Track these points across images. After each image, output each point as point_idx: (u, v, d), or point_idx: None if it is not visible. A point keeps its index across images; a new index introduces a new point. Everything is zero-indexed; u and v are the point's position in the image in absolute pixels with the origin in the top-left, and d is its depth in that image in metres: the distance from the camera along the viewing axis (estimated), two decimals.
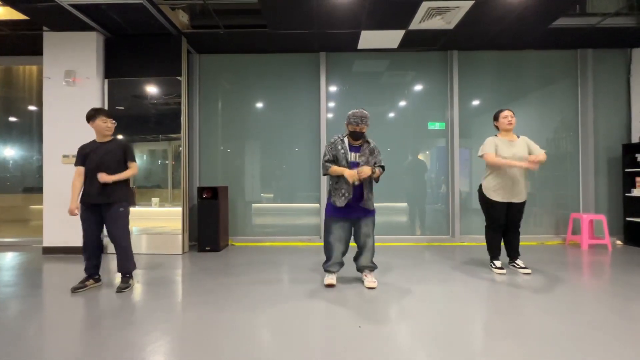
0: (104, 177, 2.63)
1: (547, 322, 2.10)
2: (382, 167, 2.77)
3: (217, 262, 3.66)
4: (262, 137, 4.82)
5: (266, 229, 4.82)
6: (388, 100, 4.83)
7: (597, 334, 1.94)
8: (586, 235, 4.19)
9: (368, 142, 2.76)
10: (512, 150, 3.08)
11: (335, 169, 2.67)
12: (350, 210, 2.71)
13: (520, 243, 3.29)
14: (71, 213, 2.68)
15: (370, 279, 2.80)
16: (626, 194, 4.41)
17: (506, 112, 3.13)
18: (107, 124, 2.78)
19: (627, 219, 4.39)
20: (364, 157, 2.71)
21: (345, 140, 2.76)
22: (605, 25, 3.98)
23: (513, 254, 3.27)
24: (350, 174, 2.60)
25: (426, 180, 4.82)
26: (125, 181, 2.80)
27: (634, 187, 4.32)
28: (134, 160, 2.83)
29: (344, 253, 2.82)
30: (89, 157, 2.74)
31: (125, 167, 2.79)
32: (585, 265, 3.46)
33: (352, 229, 2.81)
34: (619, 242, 4.50)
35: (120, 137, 4.20)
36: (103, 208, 2.72)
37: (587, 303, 2.42)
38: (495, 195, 3.10)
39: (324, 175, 2.80)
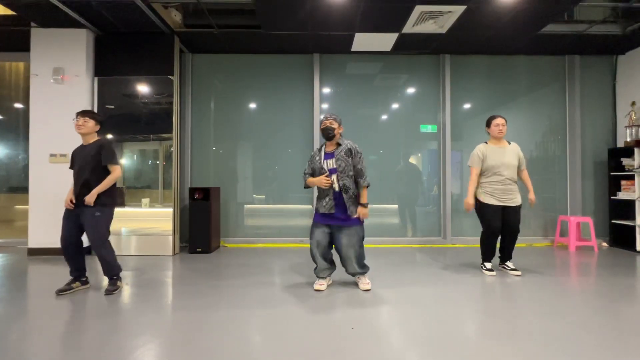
0: (88, 200, 2.53)
1: (536, 322, 2.13)
2: (362, 171, 2.65)
3: (208, 264, 3.62)
4: (254, 138, 4.80)
5: (258, 230, 4.79)
6: (381, 103, 4.86)
7: (585, 334, 1.98)
8: (573, 238, 4.28)
9: (340, 144, 2.69)
10: (502, 158, 3.12)
11: (311, 180, 2.71)
12: (331, 218, 2.66)
13: None
14: (66, 204, 2.60)
15: (364, 281, 2.79)
16: (612, 197, 4.51)
17: (498, 120, 3.16)
18: (78, 122, 2.62)
19: (613, 221, 4.50)
20: (340, 160, 2.63)
21: (322, 149, 2.75)
22: (592, 33, 4.08)
23: (505, 257, 3.31)
24: (321, 180, 2.60)
25: (418, 183, 4.86)
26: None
27: (620, 190, 4.43)
28: (113, 162, 2.62)
29: (326, 258, 2.75)
30: (74, 161, 2.68)
31: (104, 170, 2.63)
32: (573, 266, 3.53)
33: (333, 236, 2.72)
34: (604, 244, 4.61)
35: (109, 136, 4.13)
36: (80, 212, 2.60)
37: (575, 304, 2.46)
38: (489, 198, 3.13)
39: (305, 188, 2.81)
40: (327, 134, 2.65)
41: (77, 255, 2.69)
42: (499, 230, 3.17)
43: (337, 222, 2.66)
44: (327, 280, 2.84)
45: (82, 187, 2.59)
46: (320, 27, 3.91)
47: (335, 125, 2.65)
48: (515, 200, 3.14)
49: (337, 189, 2.64)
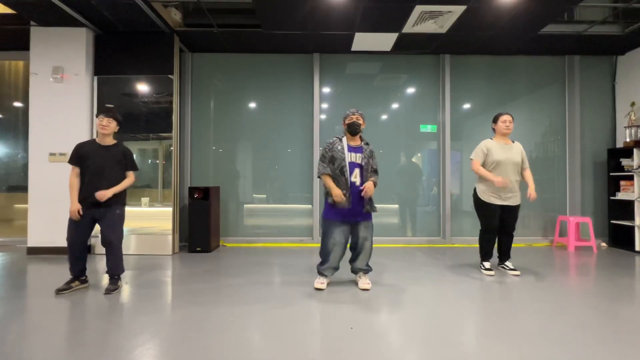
0: (102, 195, 2.58)
1: (535, 322, 2.13)
2: (377, 171, 2.79)
3: (208, 263, 3.62)
4: (254, 138, 4.80)
5: (258, 229, 4.79)
6: (381, 103, 4.86)
7: (584, 333, 1.98)
8: (573, 238, 4.28)
9: (367, 143, 2.79)
10: (507, 154, 3.12)
11: (327, 182, 2.68)
12: (350, 213, 2.68)
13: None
14: (74, 215, 2.58)
15: (364, 281, 2.80)
16: (611, 197, 4.52)
17: (505, 117, 3.18)
18: (102, 122, 2.69)
19: (612, 221, 4.50)
20: (366, 158, 2.71)
21: (344, 140, 2.75)
22: (592, 33, 4.08)
23: (503, 256, 3.32)
24: (337, 195, 2.58)
25: (418, 182, 4.86)
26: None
27: (619, 190, 4.43)
28: (134, 169, 2.81)
29: (341, 257, 2.78)
30: (89, 159, 2.65)
31: (122, 175, 2.76)
32: (572, 266, 3.53)
33: (350, 231, 2.76)
34: (603, 244, 4.61)
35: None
36: (98, 211, 2.65)
37: (573, 303, 2.46)
38: (490, 197, 3.13)
39: (318, 177, 2.79)
40: (355, 129, 2.70)
41: (84, 256, 2.73)
42: (497, 230, 3.19)
43: (356, 218, 2.69)
44: (328, 279, 2.84)
45: (106, 186, 2.63)
46: (320, 27, 3.91)
47: (361, 121, 2.73)
48: (515, 199, 3.14)
49: (358, 183, 2.66)
